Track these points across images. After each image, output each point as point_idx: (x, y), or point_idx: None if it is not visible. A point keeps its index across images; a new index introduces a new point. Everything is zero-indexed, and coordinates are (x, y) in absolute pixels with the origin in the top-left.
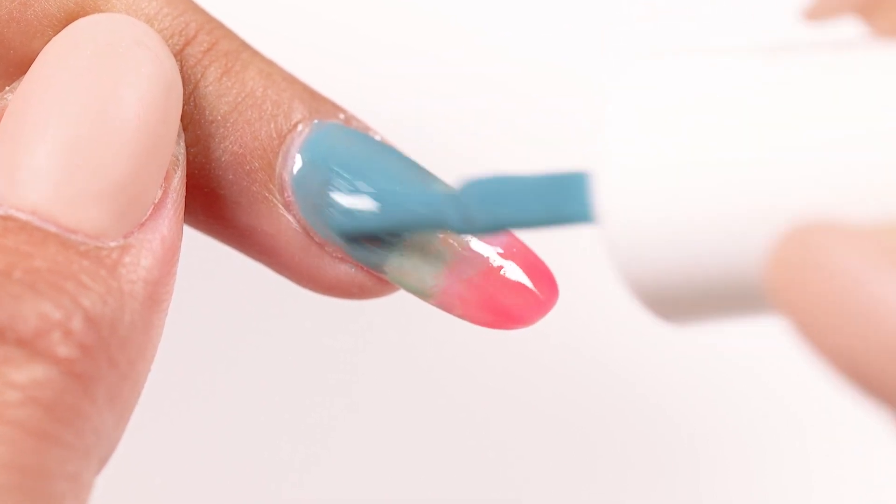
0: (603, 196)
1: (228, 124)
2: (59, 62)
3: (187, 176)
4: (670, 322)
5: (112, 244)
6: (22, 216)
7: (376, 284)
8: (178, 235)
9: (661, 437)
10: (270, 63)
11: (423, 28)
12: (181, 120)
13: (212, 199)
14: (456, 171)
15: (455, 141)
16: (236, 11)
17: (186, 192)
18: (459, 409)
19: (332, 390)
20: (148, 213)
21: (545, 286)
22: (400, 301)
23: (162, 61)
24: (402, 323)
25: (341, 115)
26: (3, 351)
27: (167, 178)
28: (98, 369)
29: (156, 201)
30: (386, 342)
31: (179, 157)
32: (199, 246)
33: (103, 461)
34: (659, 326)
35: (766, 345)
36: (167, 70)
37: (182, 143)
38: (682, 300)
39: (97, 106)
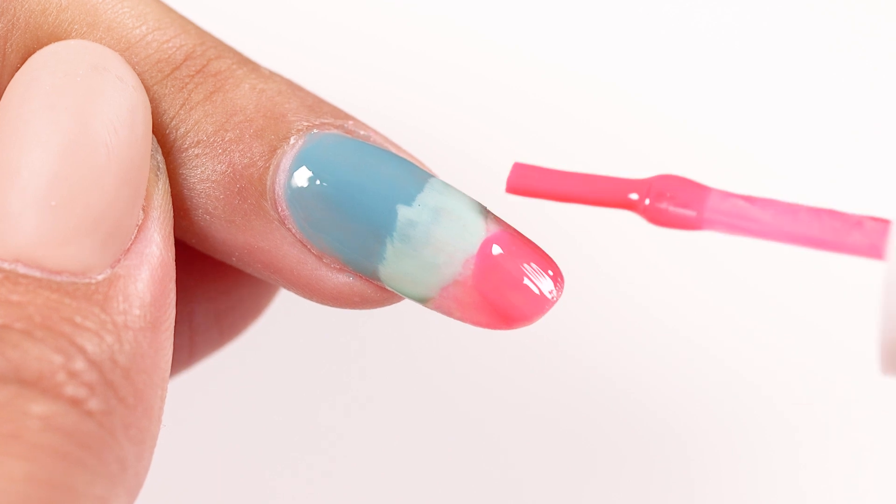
0: None
1: (215, 144)
2: (20, 102)
3: (181, 199)
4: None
5: (99, 277)
6: (6, 265)
7: (376, 293)
8: (169, 252)
9: (656, 442)
10: (269, 78)
11: (430, 30)
12: (165, 145)
13: (207, 220)
14: (462, 173)
15: (462, 142)
16: (241, 14)
17: (182, 214)
18: (457, 411)
19: (329, 393)
20: (132, 238)
21: (547, 279)
22: (397, 307)
23: (124, 81)
24: (399, 326)
25: (341, 123)
26: (14, 389)
27: (147, 197)
28: (107, 405)
29: (139, 223)
30: (383, 345)
31: (159, 171)
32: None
33: (132, 493)
34: (657, 331)
35: (762, 349)
36: (130, 90)
37: (160, 156)
38: None
39: (63, 141)
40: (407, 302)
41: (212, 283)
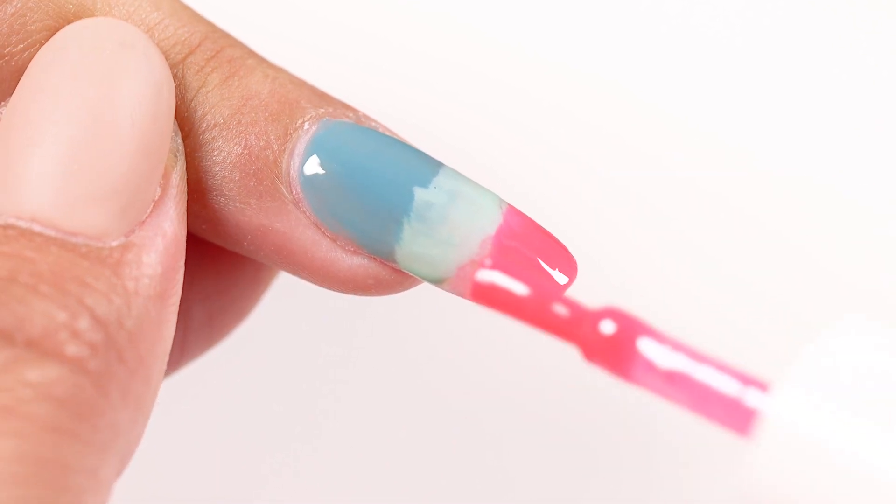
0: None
1: (232, 127)
2: (47, 70)
3: (196, 181)
4: None
5: (114, 243)
6: (22, 224)
7: (391, 275)
8: (182, 230)
9: (656, 443)
10: (278, 69)
11: (431, 29)
12: (183, 127)
13: (221, 202)
14: (464, 172)
15: (463, 140)
16: (244, 13)
17: (196, 197)
18: (456, 409)
19: (327, 388)
20: (149, 211)
21: (562, 263)
22: (396, 304)
23: (150, 59)
24: (397, 323)
25: (350, 115)
26: (13, 352)
27: (166, 175)
28: (108, 366)
29: (156, 198)
30: (382, 340)
31: (178, 153)
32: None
33: (124, 460)
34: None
35: (761, 349)
36: (156, 68)
37: (179, 139)
38: None
39: (88, 109)
40: (405, 298)
41: (208, 284)
